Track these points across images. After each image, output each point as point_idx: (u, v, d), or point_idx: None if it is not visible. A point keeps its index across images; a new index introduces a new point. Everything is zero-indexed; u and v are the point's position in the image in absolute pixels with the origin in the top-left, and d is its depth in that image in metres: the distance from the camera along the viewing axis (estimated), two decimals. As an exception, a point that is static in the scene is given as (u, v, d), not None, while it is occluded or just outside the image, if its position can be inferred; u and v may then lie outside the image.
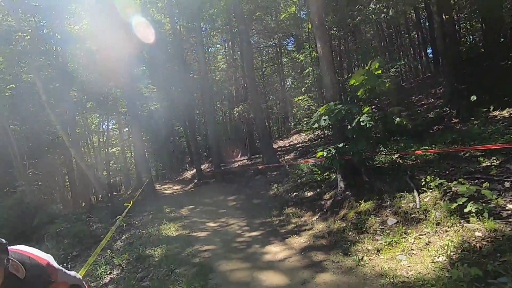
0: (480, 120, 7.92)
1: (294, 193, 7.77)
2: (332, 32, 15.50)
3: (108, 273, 5.38)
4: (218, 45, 26.23)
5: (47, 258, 0.79)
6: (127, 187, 25.46)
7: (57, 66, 15.07)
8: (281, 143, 18.14)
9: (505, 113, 7.78)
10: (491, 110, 8.32)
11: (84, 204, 16.74)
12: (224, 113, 28.57)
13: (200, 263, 4.80)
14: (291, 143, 17.03)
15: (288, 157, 13.63)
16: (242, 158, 18.91)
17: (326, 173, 7.72)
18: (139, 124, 15.30)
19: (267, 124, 17.45)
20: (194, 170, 18.60)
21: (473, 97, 8.34)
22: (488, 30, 13.98)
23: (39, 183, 15.39)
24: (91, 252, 6.94)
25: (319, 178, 7.68)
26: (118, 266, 5.56)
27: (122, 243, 7.12)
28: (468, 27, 18.50)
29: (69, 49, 16.50)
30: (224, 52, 25.81)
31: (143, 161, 14.35)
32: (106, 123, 25.90)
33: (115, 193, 22.66)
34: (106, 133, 25.48)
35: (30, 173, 14.15)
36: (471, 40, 17.46)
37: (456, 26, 15.69)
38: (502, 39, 14.31)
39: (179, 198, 12.90)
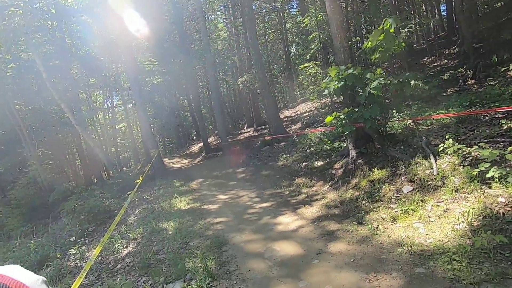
0: (499, 80, 7.49)
1: (304, 163, 7.69)
2: (339, -9, 14.46)
3: (124, 247, 5.52)
4: (218, 12, 24.95)
5: (28, 282, 0.54)
6: (136, 163, 25.84)
7: (55, 42, 14.60)
8: (287, 113, 17.82)
9: (527, 71, 7.32)
10: (510, 68, 7.83)
11: (96, 180, 17.08)
12: (228, 84, 27.95)
13: (214, 235, 4.84)
14: (298, 112, 16.71)
15: (295, 127, 13.42)
16: (249, 129, 18.76)
17: (336, 142, 7.56)
18: (142, 99, 15.07)
19: (272, 93, 16.99)
20: (201, 144, 18.61)
21: (494, 58, 7.81)
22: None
23: (50, 162, 15.63)
24: (106, 227, 7.13)
25: (328, 148, 7.53)
26: (133, 240, 5.69)
27: (136, 217, 7.27)
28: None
29: (65, 23, 15.88)
30: (224, 20, 24.59)
31: (150, 136, 14.29)
32: (110, 100, 25.67)
33: (125, 169, 23.08)
34: (111, 110, 25.34)
35: (40, 152, 14.31)
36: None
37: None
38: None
39: (188, 171, 13.01)
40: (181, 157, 21.60)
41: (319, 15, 14.70)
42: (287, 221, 4.87)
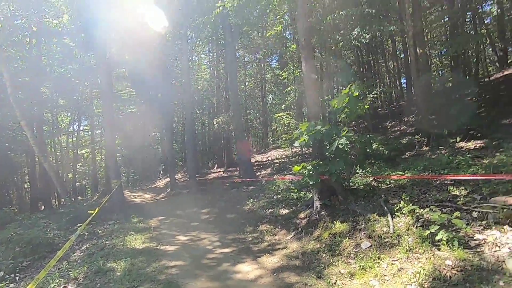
0: (448, 149, 8.37)
1: (269, 210, 7.67)
2: (315, 54, 16.02)
3: (61, 287, 4.90)
4: (203, 55, 26.23)
5: None
6: (94, 192, 24.06)
7: (30, 59, 14.24)
8: (259, 157, 18.11)
9: (470, 144, 8.29)
10: (458, 141, 8.84)
11: (44, 207, 15.50)
12: (203, 123, 28.24)
13: (166, 280, 4.50)
14: (269, 158, 17.06)
15: (265, 172, 13.58)
16: (219, 170, 18.63)
17: (302, 192, 7.72)
18: (113, 127, 14.64)
19: (246, 137, 17.39)
20: (168, 179, 17.99)
21: (444, 130, 8.81)
22: (455, 67, 15.14)
23: (-6, 182, 14.13)
24: (45, 263, 6.35)
25: (295, 196, 7.66)
26: (74, 280, 5.08)
27: (82, 253, 6.58)
28: (438, 62, 19.94)
29: (45, 42, 15.70)
30: (208, 62, 25.82)
31: (114, 166, 13.58)
32: (77, 123, 24.61)
33: (80, 198, 21.31)
34: (76, 134, 24.15)
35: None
36: (440, 74, 18.77)
37: (429, 60, 16.84)
38: (467, 77, 15.51)
39: (150, 207, 12.32)
40: (144, 191, 20.56)
41: (296, 71, 15.97)
42: (247, 269, 4.70)
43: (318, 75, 16.96)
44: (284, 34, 20.17)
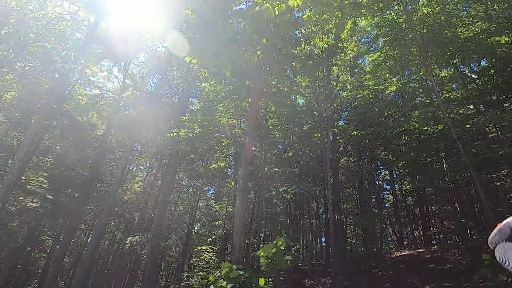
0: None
1: None
2: (251, 196, 17.12)
3: None
4: (141, 167, 25.93)
5: None
6: None
7: None
8: (165, 295, 15.34)
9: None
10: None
11: None
12: (114, 238, 24.55)
13: None
14: (177, 299, 14.55)
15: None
16: (109, 303, 14.90)
17: None
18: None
19: (158, 266, 15.20)
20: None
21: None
22: (366, 239, 17.20)
23: None
24: None
25: None
26: None
27: None
28: (352, 230, 22.55)
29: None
30: (145, 176, 25.27)
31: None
32: None
33: None
34: None
35: None
36: (354, 242, 20.88)
37: (345, 227, 19.00)
38: (375, 249, 17.47)
39: None
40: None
41: (230, 207, 16.34)
42: None
43: (249, 217, 17.52)
44: (226, 171, 21.79)
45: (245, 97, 13.55)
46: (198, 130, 11.14)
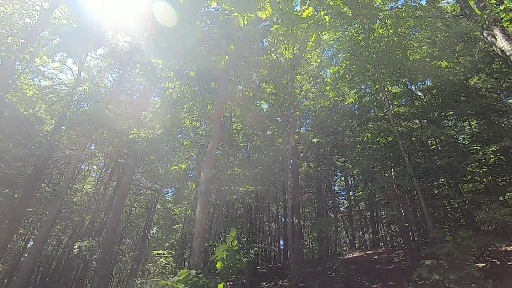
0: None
1: None
2: (211, 199, 16.97)
3: None
4: (95, 167, 24.24)
5: None
6: None
7: None
8: (115, 303, 14.49)
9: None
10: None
11: None
12: (59, 243, 22.56)
13: None
14: (128, 306, 13.83)
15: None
16: (51, 314, 13.66)
17: None
18: None
19: (109, 273, 14.27)
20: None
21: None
22: (322, 241, 17.99)
23: None
24: None
25: None
26: None
27: None
28: (309, 233, 23.43)
29: None
30: (98, 176, 23.69)
31: None
32: None
33: None
34: None
35: None
36: (310, 244, 21.71)
37: (302, 230, 19.69)
38: (329, 251, 18.34)
39: None
40: None
41: (189, 210, 16.00)
42: None
43: (209, 220, 17.33)
44: (187, 173, 21.31)
45: (210, 99, 13.48)
46: (160, 131, 10.80)
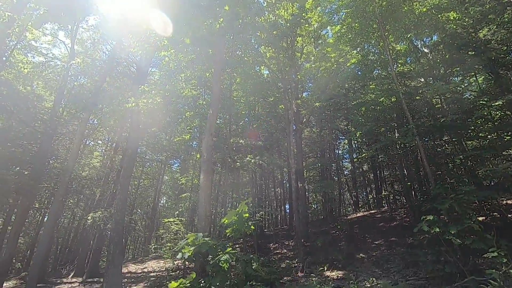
0: (317, 277, 9.19)
1: None
2: (216, 167, 17.23)
3: None
4: (100, 141, 24.50)
5: None
6: None
7: None
8: (132, 267, 15.46)
9: (334, 274, 9.38)
10: (325, 269, 9.91)
11: None
12: (74, 215, 23.59)
13: None
14: (145, 269, 14.76)
15: (136, 287, 11.45)
16: (75, 279, 14.66)
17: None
18: None
19: (124, 241, 15.06)
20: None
21: (317, 259, 9.84)
22: (326, 203, 18.47)
23: None
24: None
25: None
26: None
27: None
28: (314, 196, 24.01)
29: None
30: (104, 150, 24.04)
31: None
32: None
33: None
34: None
35: None
36: (315, 207, 22.34)
37: (307, 193, 20.15)
38: (334, 213, 18.88)
39: None
40: None
41: (195, 180, 16.36)
42: None
43: (215, 188, 17.76)
44: (191, 143, 21.44)
45: (208, 67, 13.11)
46: (159, 100, 10.66)
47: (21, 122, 14.36)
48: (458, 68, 11.62)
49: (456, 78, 13.20)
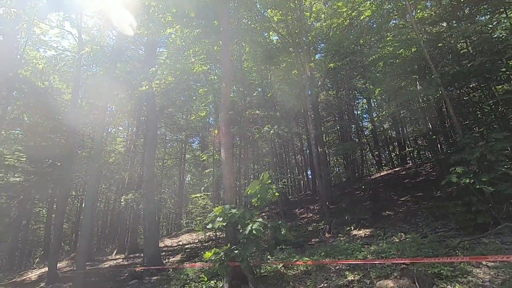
0: (345, 236, 9.40)
1: (173, 305, 6.71)
2: (235, 141, 17.38)
3: None
4: (120, 128, 25.25)
5: None
6: None
7: None
8: (168, 241, 16.50)
9: (361, 233, 9.53)
10: (352, 229, 10.08)
11: None
12: (108, 199, 25.08)
13: None
14: (180, 242, 15.72)
15: (173, 259, 12.28)
16: (118, 256, 15.93)
17: (213, 280, 7.16)
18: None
19: (157, 218, 15.97)
20: (45, 269, 14.23)
21: (344, 218, 9.98)
22: (348, 165, 18.34)
23: None
24: None
25: (205, 287, 7.00)
26: None
27: None
28: (335, 159, 23.89)
29: None
30: (126, 136, 24.81)
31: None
32: None
33: None
34: None
35: None
36: (337, 170, 22.30)
37: (328, 158, 20.06)
38: (357, 174, 18.78)
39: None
40: (4, 286, 15.46)
41: (216, 155, 16.65)
42: None
43: (236, 160, 18.05)
44: (207, 120, 21.58)
45: (216, 40, 12.73)
46: (171, 78, 10.64)
47: (45, 117, 14.96)
48: (485, 5, 10.54)
49: (483, 18, 12.03)
